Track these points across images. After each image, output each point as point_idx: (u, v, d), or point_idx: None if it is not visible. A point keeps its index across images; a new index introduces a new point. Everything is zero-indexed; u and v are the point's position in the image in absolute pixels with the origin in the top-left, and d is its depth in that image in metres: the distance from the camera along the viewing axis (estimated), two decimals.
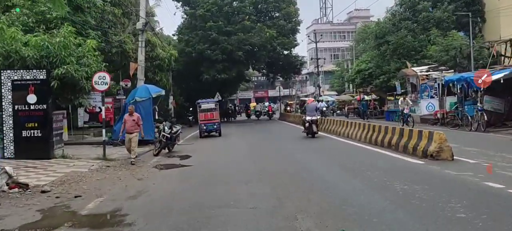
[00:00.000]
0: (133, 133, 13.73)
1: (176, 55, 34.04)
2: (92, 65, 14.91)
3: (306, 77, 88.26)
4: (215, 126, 23.94)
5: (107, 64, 18.81)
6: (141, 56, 22.18)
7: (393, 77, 33.14)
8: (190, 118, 34.93)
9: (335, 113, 41.66)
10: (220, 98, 40.48)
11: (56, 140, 14.36)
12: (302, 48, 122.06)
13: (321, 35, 58.66)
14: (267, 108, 52.50)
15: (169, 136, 15.19)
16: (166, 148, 15.60)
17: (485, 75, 17.38)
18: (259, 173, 10.43)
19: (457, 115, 19.21)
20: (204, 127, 23.84)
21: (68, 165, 12.44)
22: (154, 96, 19.54)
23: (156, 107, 20.93)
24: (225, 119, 46.86)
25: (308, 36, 58.16)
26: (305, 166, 11.21)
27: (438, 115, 21.61)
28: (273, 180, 9.40)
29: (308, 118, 19.28)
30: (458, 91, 19.60)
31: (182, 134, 28.26)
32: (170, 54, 31.97)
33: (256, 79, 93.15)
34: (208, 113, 24.21)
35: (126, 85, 26.51)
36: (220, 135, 23.91)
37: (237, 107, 54.52)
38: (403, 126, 18.19)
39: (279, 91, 40.65)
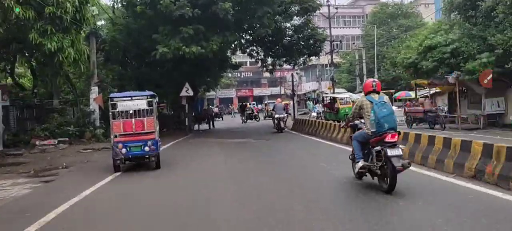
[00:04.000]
0: None
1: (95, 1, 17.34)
2: None
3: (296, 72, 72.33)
4: (146, 148, 10.34)
5: None
6: None
7: None
8: None
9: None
10: (190, 93, 23.91)
11: None
12: None
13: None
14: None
15: None
16: None
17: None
18: None
19: None
20: (124, 150, 10.19)
21: None
22: None
23: None
24: (206, 125, 30.57)
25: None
26: None
27: None
28: None
29: (277, 116, 21.77)
30: None
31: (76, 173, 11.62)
32: None
33: (238, 75, 76.97)
34: (132, 120, 10.33)
35: None
36: (158, 167, 10.68)
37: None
38: None
39: (292, 80, 24.17)
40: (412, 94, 30.55)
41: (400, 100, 34.78)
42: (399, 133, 7.06)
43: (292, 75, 23.59)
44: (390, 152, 6.62)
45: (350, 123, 8.15)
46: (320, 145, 15.24)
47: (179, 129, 25.62)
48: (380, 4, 54.81)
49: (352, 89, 46.95)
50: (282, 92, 76.86)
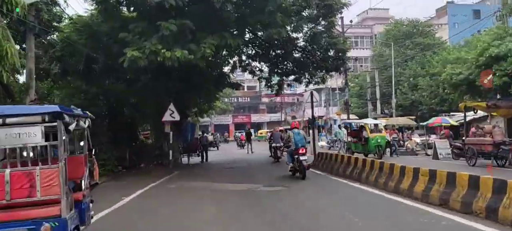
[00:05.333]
0: None
1: None
2: None
3: (297, 99, 66.75)
4: None
5: None
6: None
7: None
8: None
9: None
10: (176, 117, 18.08)
11: None
12: None
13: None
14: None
15: None
16: None
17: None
18: None
19: None
20: None
21: None
22: None
23: None
24: (198, 158, 24.54)
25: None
26: None
27: None
28: None
29: (274, 145, 22.38)
30: None
31: None
32: None
33: (235, 100, 71.32)
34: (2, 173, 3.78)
35: None
36: None
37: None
38: None
39: (311, 99, 18.47)
40: (450, 121, 24.93)
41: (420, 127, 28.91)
42: (306, 149, 14.04)
43: (311, 93, 17.75)
44: (301, 157, 13.41)
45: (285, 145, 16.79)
46: (387, 207, 8.60)
47: (161, 164, 19.69)
48: (394, 21, 49.99)
49: (363, 115, 41.19)
50: (283, 118, 71.25)
